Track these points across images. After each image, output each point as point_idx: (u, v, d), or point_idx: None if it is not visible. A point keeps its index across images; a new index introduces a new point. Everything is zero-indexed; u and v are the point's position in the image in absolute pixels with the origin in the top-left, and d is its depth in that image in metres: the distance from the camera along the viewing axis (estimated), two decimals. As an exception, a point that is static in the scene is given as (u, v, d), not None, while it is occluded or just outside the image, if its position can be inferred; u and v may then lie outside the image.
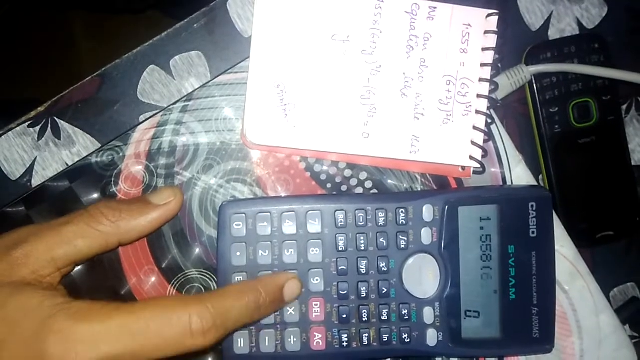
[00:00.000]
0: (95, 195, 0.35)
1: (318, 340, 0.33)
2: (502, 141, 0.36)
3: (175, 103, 0.35)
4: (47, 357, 0.24)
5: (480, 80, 0.34)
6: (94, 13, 0.89)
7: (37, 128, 0.35)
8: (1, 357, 0.25)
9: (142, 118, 0.35)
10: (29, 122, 0.35)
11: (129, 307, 0.26)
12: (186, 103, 0.35)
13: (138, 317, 0.25)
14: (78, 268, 0.35)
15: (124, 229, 0.29)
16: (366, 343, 0.33)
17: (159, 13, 0.83)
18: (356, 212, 0.33)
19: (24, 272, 0.27)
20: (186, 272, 0.35)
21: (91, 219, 0.29)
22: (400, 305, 0.33)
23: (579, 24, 0.37)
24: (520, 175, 0.36)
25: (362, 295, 0.33)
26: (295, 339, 0.33)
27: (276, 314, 0.33)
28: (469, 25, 0.34)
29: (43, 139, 0.35)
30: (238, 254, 0.33)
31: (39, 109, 0.35)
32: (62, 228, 0.28)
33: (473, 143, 0.34)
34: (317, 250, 0.33)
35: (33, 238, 0.28)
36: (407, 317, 0.33)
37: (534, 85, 0.36)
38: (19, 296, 0.26)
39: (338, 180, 0.36)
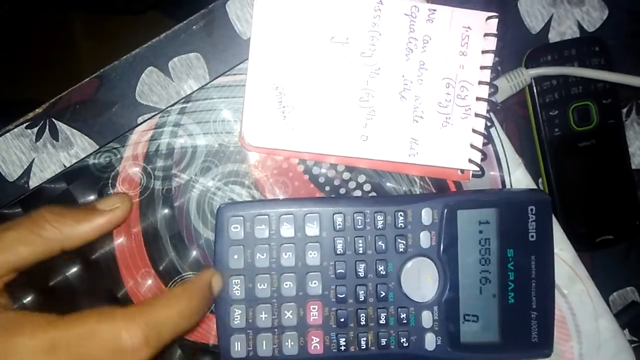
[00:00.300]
0: (92, 197, 0.34)
1: (316, 344, 0.33)
2: (502, 144, 0.35)
3: (173, 105, 0.35)
4: None
5: (480, 83, 0.34)
6: (94, 13, 0.89)
7: (35, 129, 0.35)
8: None
9: (140, 120, 0.35)
10: (27, 124, 0.35)
11: (58, 320, 0.25)
12: (184, 105, 0.35)
13: (65, 334, 0.25)
14: (74, 271, 0.35)
15: (66, 235, 0.28)
16: (364, 347, 0.33)
17: (159, 14, 0.83)
18: (355, 215, 0.33)
19: None
20: (183, 274, 0.35)
21: (34, 225, 0.28)
22: (399, 309, 0.33)
23: (580, 27, 0.37)
24: (519, 178, 0.36)
25: (361, 299, 0.33)
26: (292, 343, 0.33)
27: (273, 317, 0.33)
28: (469, 27, 0.33)
29: (41, 140, 0.35)
30: (235, 256, 0.32)
31: (37, 110, 0.35)
32: (2, 234, 0.27)
33: (472, 146, 0.34)
34: (315, 254, 0.33)
35: None
36: (405, 321, 0.33)
37: (534, 88, 0.36)
38: None
39: (336, 183, 0.36)
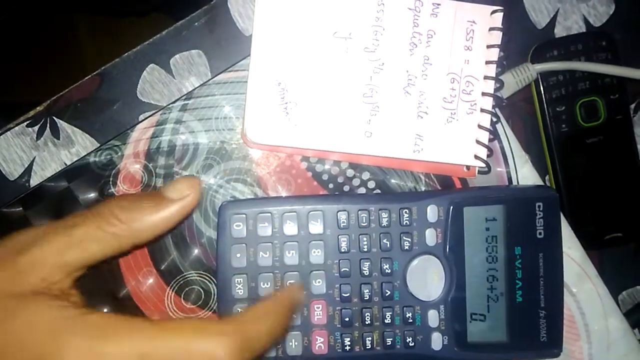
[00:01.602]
0: (93, 195, 0.34)
1: (320, 344, 0.32)
2: (508, 140, 0.35)
3: (174, 102, 0.34)
4: None
5: (485, 78, 0.33)
6: (98, 15, 0.89)
7: (36, 128, 0.34)
8: None
9: (141, 117, 0.34)
10: (28, 122, 0.34)
11: (149, 329, 0.23)
12: (186, 102, 0.34)
13: (157, 345, 0.23)
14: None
15: (137, 230, 0.27)
16: (369, 347, 0.32)
17: (163, 15, 0.83)
18: (359, 212, 0.32)
19: (32, 280, 0.25)
20: (185, 274, 0.35)
21: (102, 220, 0.26)
22: (404, 308, 0.33)
23: (586, 21, 0.37)
24: (526, 175, 0.35)
25: (365, 298, 0.32)
26: (296, 343, 0.32)
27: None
28: (474, 22, 0.33)
29: (42, 138, 0.34)
30: (238, 255, 0.32)
31: (38, 108, 0.34)
32: (71, 231, 0.26)
33: (478, 142, 0.34)
34: (318, 252, 0.32)
35: (40, 242, 0.25)
36: (411, 321, 0.32)
37: (540, 83, 0.36)
38: (28, 309, 0.24)
39: (340, 180, 0.35)
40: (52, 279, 0.25)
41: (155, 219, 0.27)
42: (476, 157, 0.34)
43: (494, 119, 0.34)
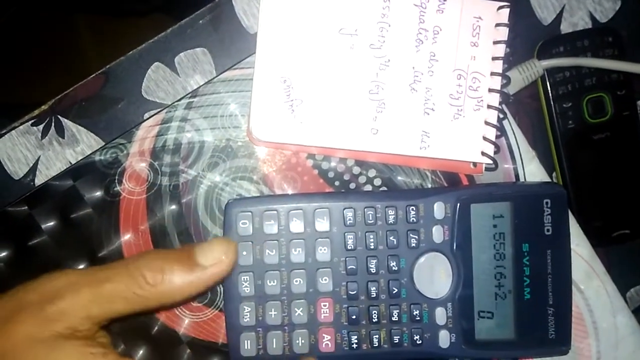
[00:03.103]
0: (99, 194, 0.34)
1: (327, 342, 0.32)
2: (515, 137, 0.35)
3: (180, 100, 0.34)
4: None
5: (492, 74, 0.33)
6: (99, 16, 0.89)
7: (41, 126, 0.34)
8: None
9: (146, 116, 0.34)
10: (33, 121, 0.34)
11: None
12: (191, 99, 0.34)
13: None
14: (81, 267, 0.34)
15: (165, 294, 0.26)
16: (376, 345, 0.32)
17: (164, 16, 0.83)
18: (365, 210, 0.32)
19: (58, 327, 0.25)
20: (191, 272, 0.34)
21: (131, 281, 0.26)
22: (412, 306, 0.32)
23: (592, 17, 0.36)
24: (533, 172, 0.35)
25: (372, 296, 0.32)
26: (303, 341, 0.32)
27: (283, 314, 0.32)
28: (480, 18, 0.33)
29: (46, 137, 0.34)
30: (244, 253, 0.32)
31: (42, 107, 0.34)
32: (101, 286, 0.26)
33: (485, 138, 0.33)
34: (325, 249, 0.32)
35: (70, 294, 0.26)
36: (418, 318, 0.32)
37: (547, 80, 0.35)
38: (56, 354, 0.25)
39: (346, 177, 0.35)
40: (77, 328, 0.26)
41: (184, 285, 0.27)
42: (483, 153, 0.34)
43: (501, 116, 0.34)
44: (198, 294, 0.27)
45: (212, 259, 0.27)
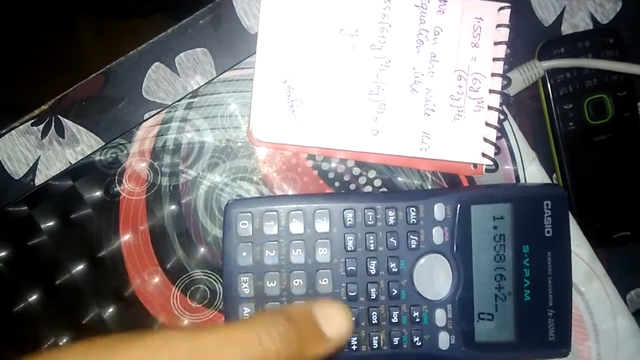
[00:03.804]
0: (99, 194, 0.34)
1: (326, 343, 0.32)
2: (515, 138, 0.35)
3: (180, 100, 0.34)
4: None
5: (493, 75, 0.33)
6: (100, 16, 0.89)
7: (41, 126, 0.34)
8: None
9: (147, 116, 0.34)
10: (32, 121, 0.34)
11: None
12: (191, 100, 0.34)
13: None
14: (80, 268, 0.34)
15: None
16: (376, 346, 0.32)
17: (165, 17, 0.83)
18: (365, 211, 0.32)
19: None
20: (191, 273, 0.34)
21: (262, 352, 0.21)
22: (411, 307, 0.32)
23: (593, 18, 0.36)
24: (534, 173, 0.35)
25: (372, 297, 0.32)
26: (302, 342, 0.32)
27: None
28: (481, 19, 0.33)
29: (46, 137, 0.34)
30: (244, 254, 0.32)
31: (43, 107, 0.34)
32: (225, 349, 0.20)
33: (485, 140, 0.33)
34: (325, 250, 0.32)
35: None
36: (418, 320, 0.32)
37: (548, 81, 0.35)
38: None
39: (346, 178, 0.35)
40: None
41: (314, 358, 0.23)
42: (483, 154, 0.33)
43: (502, 117, 0.33)
44: None
45: (339, 331, 0.24)
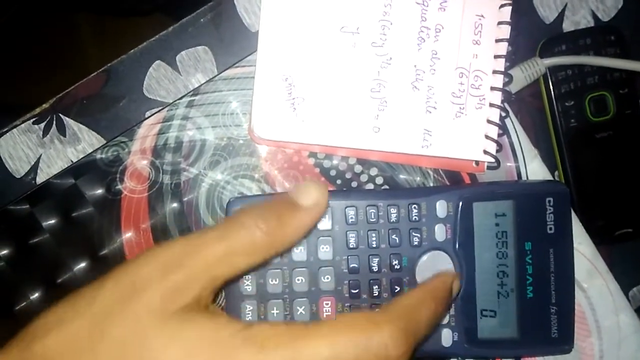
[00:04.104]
0: (100, 192, 0.34)
1: (329, 341, 0.32)
2: (517, 135, 0.35)
3: (181, 98, 0.34)
4: None
5: (494, 72, 0.33)
6: (100, 15, 0.89)
7: (42, 125, 0.34)
8: None
9: (148, 114, 0.34)
10: (34, 119, 0.34)
11: (316, 330, 0.23)
12: (192, 98, 0.34)
13: (332, 344, 0.22)
14: (82, 266, 0.34)
15: (280, 241, 0.26)
16: (378, 344, 0.32)
17: (165, 16, 0.83)
18: (367, 208, 0.32)
19: (186, 297, 0.23)
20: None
21: (246, 233, 0.25)
22: (414, 305, 0.32)
23: (594, 16, 0.36)
24: (535, 170, 0.35)
25: (375, 294, 0.32)
26: (305, 340, 0.32)
27: (285, 313, 0.32)
28: (482, 16, 0.33)
29: (48, 136, 0.34)
30: (246, 251, 0.32)
31: (44, 105, 0.34)
32: (218, 243, 0.25)
33: (487, 137, 0.33)
34: (327, 248, 0.32)
35: (190, 258, 0.24)
36: (420, 317, 0.32)
37: (549, 78, 0.35)
38: (191, 327, 0.23)
39: (348, 176, 0.35)
40: (202, 294, 0.24)
41: (297, 228, 0.26)
42: (485, 152, 0.33)
43: (503, 114, 0.33)
44: (305, 235, 0.27)
45: (313, 199, 0.27)
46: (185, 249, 0.24)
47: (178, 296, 0.23)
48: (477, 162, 0.34)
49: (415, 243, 0.32)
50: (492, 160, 0.34)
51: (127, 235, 0.34)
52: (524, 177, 0.35)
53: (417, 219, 0.32)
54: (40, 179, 0.34)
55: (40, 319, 0.24)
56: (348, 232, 0.32)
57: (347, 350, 0.22)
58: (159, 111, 0.34)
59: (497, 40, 0.33)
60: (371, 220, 0.32)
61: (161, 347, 0.22)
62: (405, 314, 0.24)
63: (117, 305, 0.23)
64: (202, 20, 0.34)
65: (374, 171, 0.35)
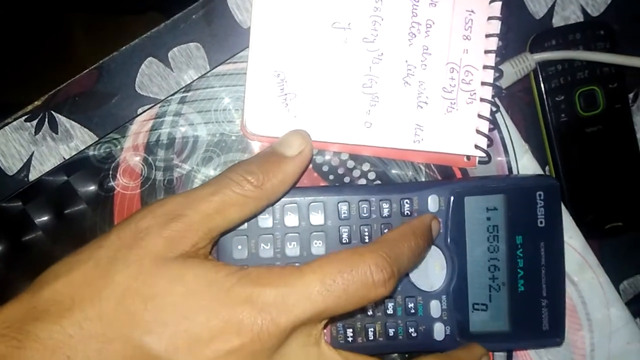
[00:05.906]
0: (93, 189, 0.34)
1: (322, 335, 0.32)
2: (508, 130, 0.35)
3: (173, 94, 0.34)
4: (243, 326, 0.24)
5: (485, 67, 0.33)
6: (94, 14, 0.89)
7: (34, 122, 0.34)
8: (192, 328, 0.24)
9: (140, 111, 0.34)
10: (26, 117, 0.34)
11: (307, 267, 0.25)
12: (184, 94, 0.34)
13: (322, 278, 0.25)
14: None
15: (269, 191, 0.28)
16: (372, 338, 0.32)
17: (158, 14, 0.82)
18: (360, 203, 0.32)
19: (185, 245, 0.26)
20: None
21: (237, 186, 0.27)
22: (406, 299, 0.32)
23: (584, 11, 0.37)
24: (526, 165, 0.35)
25: (367, 289, 0.32)
26: (298, 334, 0.32)
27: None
28: (472, 11, 0.33)
29: (40, 133, 0.34)
30: (239, 247, 0.32)
31: (36, 102, 0.34)
32: (211, 197, 0.27)
33: (478, 131, 0.34)
34: (320, 243, 0.32)
35: (187, 210, 0.26)
36: (413, 311, 0.32)
37: (539, 73, 0.36)
38: (190, 271, 0.25)
39: (340, 171, 0.35)
40: (200, 244, 0.26)
41: (284, 178, 0.28)
42: (476, 146, 0.34)
43: (494, 109, 0.34)
44: (294, 184, 0.30)
45: (296, 148, 0.29)
46: (182, 203, 0.27)
47: (178, 243, 0.25)
48: (468, 157, 0.34)
49: (408, 237, 0.32)
50: (484, 154, 0.34)
51: (120, 231, 0.34)
52: (514, 172, 0.35)
53: (409, 213, 0.32)
54: (33, 176, 0.34)
55: (50, 269, 0.26)
56: (341, 227, 0.32)
57: (336, 281, 0.25)
58: (151, 108, 0.34)
59: (488, 36, 0.33)
60: (364, 215, 0.32)
61: (163, 288, 0.25)
62: (387, 245, 0.27)
63: (121, 252, 0.25)
64: (194, 16, 0.34)
65: (366, 166, 0.35)
